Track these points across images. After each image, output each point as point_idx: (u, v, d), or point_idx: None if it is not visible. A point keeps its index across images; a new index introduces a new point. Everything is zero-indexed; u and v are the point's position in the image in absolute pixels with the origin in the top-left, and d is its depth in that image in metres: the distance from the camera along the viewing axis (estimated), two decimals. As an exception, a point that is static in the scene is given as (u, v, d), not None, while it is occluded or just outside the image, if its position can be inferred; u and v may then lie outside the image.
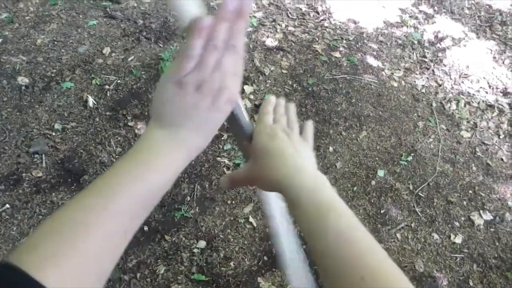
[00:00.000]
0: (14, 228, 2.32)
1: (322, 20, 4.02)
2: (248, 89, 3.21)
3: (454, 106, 3.43)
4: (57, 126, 2.77)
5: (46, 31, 3.34)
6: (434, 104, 3.41)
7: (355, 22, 4.04)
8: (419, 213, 2.75)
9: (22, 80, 2.95)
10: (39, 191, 2.48)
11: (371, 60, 3.69)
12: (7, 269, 0.41)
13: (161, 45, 3.41)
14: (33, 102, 2.87)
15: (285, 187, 0.63)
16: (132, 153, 0.55)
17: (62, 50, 3.22)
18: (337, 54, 3.67)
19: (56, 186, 2.52)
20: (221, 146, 2.85)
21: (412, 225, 2.70)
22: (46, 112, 2.83)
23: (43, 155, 2.62)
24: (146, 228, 2.43)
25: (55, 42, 3.27)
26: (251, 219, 2.54)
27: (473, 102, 3.50)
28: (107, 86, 3.04)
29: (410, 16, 4.21)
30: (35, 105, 2.86)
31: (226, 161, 2.78)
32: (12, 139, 2.66)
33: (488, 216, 2.79)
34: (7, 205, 2.39)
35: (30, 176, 2.52)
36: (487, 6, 4.46)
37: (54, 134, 2.73)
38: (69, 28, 3.41)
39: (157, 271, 2.29)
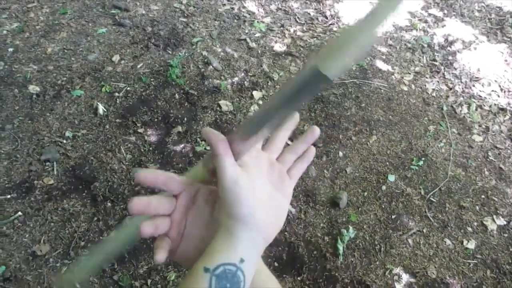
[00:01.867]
0: (27, 236, 2.33)
1: (330, 24, 4.01)
2: (257, 94, 3.21)
3: (465, 110, 3.40)
4: (68, 133, 2.79)
5: (56, 39, 3.37)
6: (445, 108, 3.39)
7: (364, 26, 4.03)
8: (431, 218, 2.72)
9: (33, 88, 2.98)
10: (50, 198, 2.49)
11: (381, 64, 3.68)
12: None
13: (169, 52, 3.43)
14: (44, 110, 2.89)
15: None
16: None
17: (72, 58, 3.25)
18: (346, 59, 3.65)
19: (67, 193, 2.53)
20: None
21: (424, 230, 2.67)
22: (57, 120, 2.86)
23: (54, 163, 2.64)
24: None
25: (65, 51, 3.30)
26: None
27: (484, 106, 3.46)
28: (116, 94, 3.06)
29: (419, 20, 4.19)
30: (46, 113, 2.88)
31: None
32: (24, 147, 2.68)
33: (501, 221, 2.76)
34: (19, 213, 2.40)
35: (41, 184, 2.54)
36: (498, 9, 4.43)
37: (65, 141, 2.75)
38: (78, 36, 3.44)
39: (168, 277, 2.29)
